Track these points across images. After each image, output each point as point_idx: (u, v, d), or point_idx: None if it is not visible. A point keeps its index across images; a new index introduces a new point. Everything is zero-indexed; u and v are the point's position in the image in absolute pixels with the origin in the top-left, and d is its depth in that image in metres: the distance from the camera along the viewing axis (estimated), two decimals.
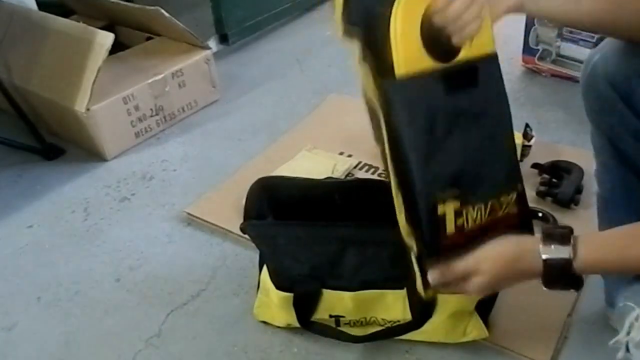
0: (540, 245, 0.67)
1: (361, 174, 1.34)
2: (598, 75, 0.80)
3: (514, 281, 0.71)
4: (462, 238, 0.67)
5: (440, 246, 0.67)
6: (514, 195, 0.67)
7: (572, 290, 0.68)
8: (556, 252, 0.66)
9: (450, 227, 0.64)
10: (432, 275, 0.73)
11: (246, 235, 1.01)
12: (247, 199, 0.98)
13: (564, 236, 0.66)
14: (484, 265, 0.69)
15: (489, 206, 0.65)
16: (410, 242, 0.71)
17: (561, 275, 0.66)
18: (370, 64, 0.63)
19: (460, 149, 0.65)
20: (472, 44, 0.67)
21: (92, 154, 1.55)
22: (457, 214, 0.63)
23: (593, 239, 0.68)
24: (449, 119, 0.65)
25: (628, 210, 0.85)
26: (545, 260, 0.66)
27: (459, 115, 0.65)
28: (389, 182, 0.67)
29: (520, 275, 0.70)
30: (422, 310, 0.90)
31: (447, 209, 0.62)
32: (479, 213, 0.65)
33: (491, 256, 0.69)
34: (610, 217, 0.91)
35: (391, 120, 0.64)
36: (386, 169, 0.66)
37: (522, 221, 0.71)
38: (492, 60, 0.73)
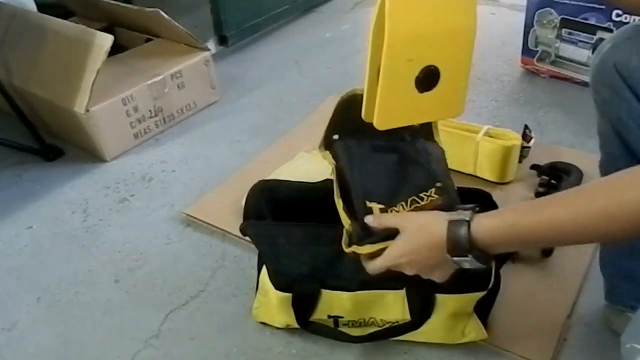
0: (448, 213, 0.74)
1: None
2: (608, 64, 0.80)
3: (426, 250, 0.76)
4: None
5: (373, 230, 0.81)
6: (432, 190, 0.81)
7: (479, 265, 0.73)
8: (458, 215, 0.72)
9: None
10: (368, 219, 0.80)
11: (246, 237, 1.01)
12: (247, 201, 0.98)
13: (470, 208, 0.73)
14: (406, 222, 0.77)
15: (409, 202, 0.80)
16: (347, 223, 0.83)
17: (461, 239, 0.71)
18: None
19: (381, 178, 0.85)
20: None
21: (91, 155, 1.56)
22: (382, 211, 0.79)
23: (496, 210, 0.74)
24: (373, 163, 0.86)
25: None
26: (448, 221, 0.72)
27: (382, 162, 0.86)
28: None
29: (430, 238, 0.75)
30: (421, 311, 0.90)
31: (374, 207, 0.80)
32: (401, 208, 0.80)
33: (412, 217, 0.79)
34: None
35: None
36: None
37: (447, 206, 0.81)
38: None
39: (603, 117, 0.85)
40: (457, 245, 0.72)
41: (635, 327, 0.63)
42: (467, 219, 0.71)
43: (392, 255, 0.78)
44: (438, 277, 0.79)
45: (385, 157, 0.86)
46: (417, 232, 0.76)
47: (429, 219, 0.77)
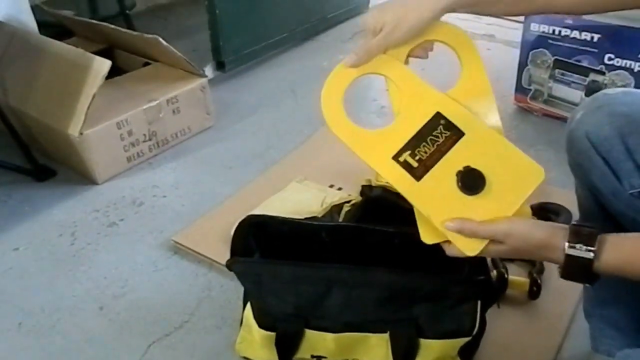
0: (566, 243, 0.69)
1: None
2: (580, 132, 0.81)
3: (532, 259, 0.76)
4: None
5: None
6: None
7: (585, 284, 0.72)
8: (580, 251, 0.68)
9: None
10: (455, 223, 0.73)
11: None
12: (234, 235, 0.98)
13: (590, 236, 0.68)
14: (510, 240, 0.71)
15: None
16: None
17: (579, 272, 0.69)
18: None
19: None
20: None
21: (83, 177, 1.55)
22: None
23: (619, 242, 0.69)
24: None
25: None
26: (567, 255, 0.68)
27: None
28: None
29: (539, 258, 0.75)
30: (404, 355, 0.90)
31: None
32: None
33: (521, 236, 0.72)
34: None
35: None
36: None
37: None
38: None
39: (578, 180, 0.87)
40: (573, 278, 0.70)
41: None
42: (590, 257, 0.67)
43: (491, 254, 0.75)
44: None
45: None
46: (524, 244, 0.71)
47: (542, 243, 0.70)
